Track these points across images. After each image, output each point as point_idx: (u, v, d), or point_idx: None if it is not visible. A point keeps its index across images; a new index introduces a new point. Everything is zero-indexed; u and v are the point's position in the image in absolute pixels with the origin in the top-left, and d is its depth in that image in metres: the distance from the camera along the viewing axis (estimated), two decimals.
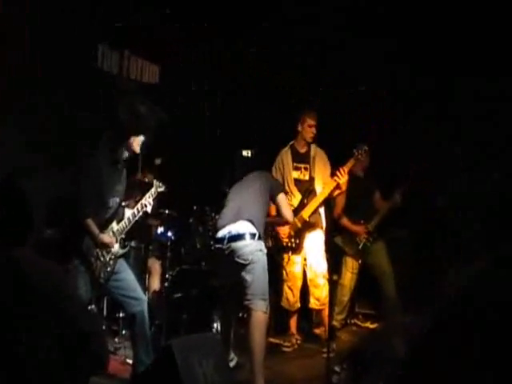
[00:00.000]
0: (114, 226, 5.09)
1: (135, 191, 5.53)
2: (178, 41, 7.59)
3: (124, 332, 6.31)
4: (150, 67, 7.66)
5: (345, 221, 7.18)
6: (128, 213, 5.19)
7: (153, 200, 5.34)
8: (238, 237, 5.52)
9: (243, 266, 5.44)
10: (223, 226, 5.67)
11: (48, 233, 5.48)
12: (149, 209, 5.28)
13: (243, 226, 5.56)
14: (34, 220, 2.70)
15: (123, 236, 5.17)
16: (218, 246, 5.68)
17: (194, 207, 7.13)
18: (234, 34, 7.98)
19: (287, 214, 5.95)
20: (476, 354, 1.65)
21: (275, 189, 5.92)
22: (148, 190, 5.36)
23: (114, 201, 5.06)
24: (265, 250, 5.59)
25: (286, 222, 6.23)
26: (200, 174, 7.74)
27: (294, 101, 7.89)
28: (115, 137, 5.05)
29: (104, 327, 5.96)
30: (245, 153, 7.72)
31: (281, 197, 5.90)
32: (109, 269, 5.04)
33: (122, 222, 5.13)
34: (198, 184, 7.62)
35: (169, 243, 6.74)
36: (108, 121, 5.22)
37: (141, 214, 5.24)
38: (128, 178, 5.30)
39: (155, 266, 6.94)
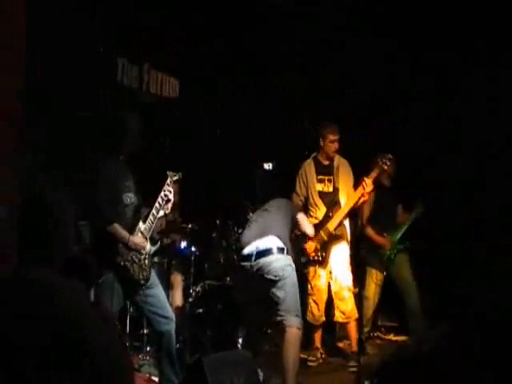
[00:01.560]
0: (141, 225, 5.01)
1: None
2: (195, 53, 7.58)
3: (148, 349, 6.24)
4: (170, 81, 7.62)
5: (370, 231, 7.13)
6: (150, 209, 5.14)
7: (172, 187, 5.25)
8: (267, 252, 5.47)
9: (274, 283, 5.39)
10: (249, 243, 5.62)
11: (74, 250, 5.39)
12: (171, 197, 5.17)
13: (271, 241, 5.51)
14: (60, 238, 2.60)
15: (152, 234, 5.11)
16: (245, 263, 5.60)
17: (217, 221, 7.07)
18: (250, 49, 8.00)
19: (308, 229, 6.05)
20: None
21: (295, 211, 6.01)
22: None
23: (128, 197, 4.99)
24: (293, 266, 5.54)
25: (309, 237, 6.27)
26: (222, 188, 7.69)
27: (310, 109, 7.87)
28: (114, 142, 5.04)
29: (127, 344, 5.88)
30: (266, 166, 7.69)
31: (301, 215, 6.00)
32: (147, 268, 4.98)
33: (148, 220, 5.05)
34: (221, 198, 7.56)
35: (192, 258, 6.66)
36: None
37: (164, 205, 5.15)
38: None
39: (177, 279, 6.87)
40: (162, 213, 5.17)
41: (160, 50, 7.22)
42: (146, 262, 4.99)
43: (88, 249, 5.06)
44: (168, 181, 5.28)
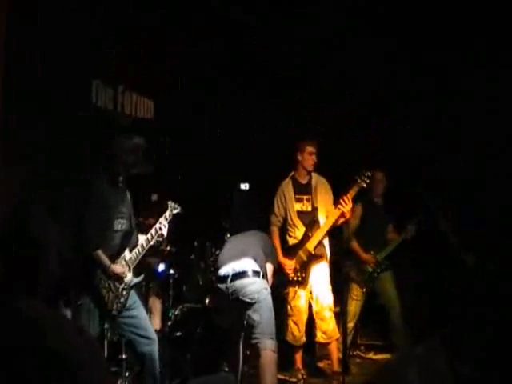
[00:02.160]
0: (127, 254, 4.94)
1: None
2: (171, 68, 7.53)
3: (127, 374, 6.12)
4: (145, 102, 7.56)
5: (355, 246, 7.14)
6: (141, 239, 5.05)
7: (168, 223, 5.20)
8: (243, 274, 5.45)
9: (249, 305, 5.37)
10: (225, 264, 5.58)
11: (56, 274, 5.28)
12: (164, 231, 5.12)
13: (248, 264, 5.50)
14: (45, 266, 2.52)
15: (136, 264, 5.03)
16: (220, 285, 5.57)
17: (195, 243, 7.00)
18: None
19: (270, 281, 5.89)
20: None
21: (268, 254, 5.89)
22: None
23: (120, 223, 4.92)
24: (269, 290, 5.54)
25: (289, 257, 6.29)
26: (199, 210, 7.62)
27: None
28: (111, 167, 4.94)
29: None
30: (243, 186, 7.64)
31: (268, 266, 5.86)
32: (122, 300, 4.89)
33: (135, 250, 4.99)
34: (198, 219, 7.49)
35: (171, 280, 6.58)
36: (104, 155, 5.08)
37: (155, 238, 5.09)
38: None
39: (156, 304, 6.75)
40: (151, 243, 5.10)
41: (135, 71, 7.16)
42: (124, 292, 4.91)
43: (69, 271, 4.96)
44: (167, 213, 5.23)
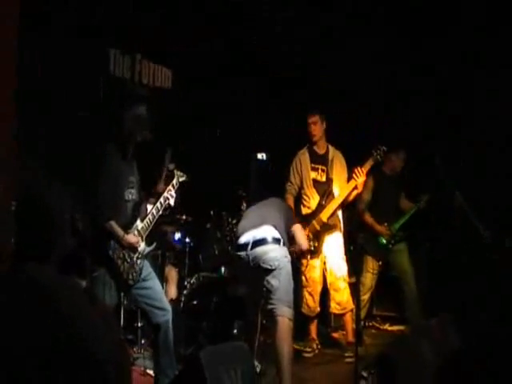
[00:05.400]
0: (139, 224, 4.95)
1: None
2: (187, 43, 7.52)
3: (143, 342, 6.20)
4: (163, 71, 7.55)
5: (368, 218, 7.14)
6: (150, 208, 5.08)
7: (175, 191, 5.22)
8: (263, 241, 5.41)
9: (269, 272, 5.32)
10: (245, 232, 5.56)
11: (70, 245, 5.33)
12: (172, 201, 5.15)
13: (268, 231, 5.45)
14: (58, 236, 2.56)
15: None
16: (240, 252, 5.54)
17: (211, 212, 7.02)
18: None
19: (303, 241, 5.88)
20: None
21: (291, 218, 5.87)
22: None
23: (130, 193, 4.93)
24: (289, 257, 5.48)
25: (301, 250, 6.08)
26: (215, 179, 7.63)
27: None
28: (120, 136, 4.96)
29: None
30: (259, 156, 7.64)
31: (297, 226, 5.85)
32: (137, 269, 4.89)
33: (146, 219, 5.00)
34: (214, 188, 7.51)
35: (187, 250, 6.61)
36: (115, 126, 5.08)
37: (164, 207, 5.12)
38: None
39: (172, 273, 6.80)
40: (160, 212, 5.13)
41: (153, 40, 7.15)
42: (138, 261, 4.92)
43: (83, 242, 4.99)
44: (174, 181, 5.25)
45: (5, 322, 2.25)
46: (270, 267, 5.33)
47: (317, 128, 6.62)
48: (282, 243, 5.45)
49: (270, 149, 7.90)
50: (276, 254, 5.36)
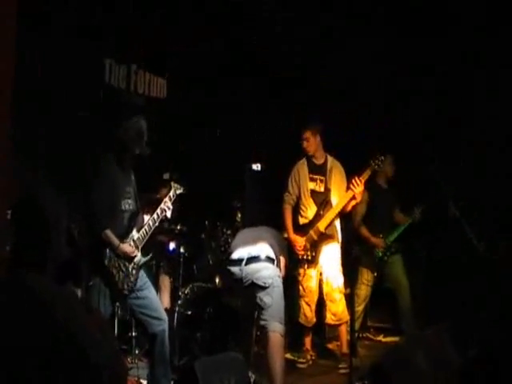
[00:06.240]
0: (135, 234, 4.96)
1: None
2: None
3: (137, 352, 6.17)
4: (158, 81, 7.55)
5: (364, 231, 7.19)
6: (146, 219, 5.09)
7: (172, 204, 5.23)
8: (258, 259, 5.48)
9: (262, 289, 5.38)
10: (240, 247, 5.59)
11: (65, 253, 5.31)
12: (168, 213, 5.18)
13: (264, 249, 5.52)
14: (54, 239, 2.55)
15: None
16: (233, 267, 5.57)
17: (206, 222, 7.02)
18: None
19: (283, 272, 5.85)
20: None
21: (284, 248, 5.94)
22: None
23: (127, 203, 4.94)
24: (281, 278, 5.56)
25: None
26: (210, 189, 7.63)
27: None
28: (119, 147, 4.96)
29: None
30: (254, 166, 7.64)
31: (282, 260, 5.83)
32: (132, 279, 4.90)
33: (142, 230, 5.01)
34: (209, 199, 7.50)
35: (181, 259, 6.60)
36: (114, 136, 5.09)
37: (161, 218, 5.14)
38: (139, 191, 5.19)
39: (165, 282, 6.80)
40: (157, 223, 5.15)
41: (148, 50, 7.16)
42: (134, 271, 4.93)
43: (79, 251, 4.98)
44: (171, 193, 5.26)
45: (5, 322, 2.26)
46: (263, 285, 5.38)
47: (309, 144, 6.63)
48: (275, 263, 5.50)
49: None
50: (270, 273, 5.44)
